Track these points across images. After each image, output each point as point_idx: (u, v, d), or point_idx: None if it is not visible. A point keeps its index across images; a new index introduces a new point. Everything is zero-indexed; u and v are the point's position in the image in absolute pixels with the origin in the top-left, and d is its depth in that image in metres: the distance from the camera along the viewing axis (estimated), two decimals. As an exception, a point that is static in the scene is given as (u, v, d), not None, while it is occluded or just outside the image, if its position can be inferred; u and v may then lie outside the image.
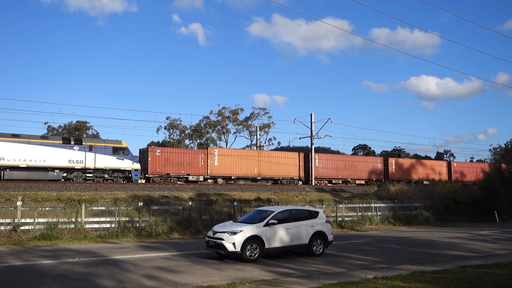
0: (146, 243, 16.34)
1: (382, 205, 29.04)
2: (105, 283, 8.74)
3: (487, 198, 32.04)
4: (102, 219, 19.49)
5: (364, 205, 27.74)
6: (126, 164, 30.44)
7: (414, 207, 30.03)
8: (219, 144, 68.44)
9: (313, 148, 41.60)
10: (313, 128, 42.23)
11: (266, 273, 9.95)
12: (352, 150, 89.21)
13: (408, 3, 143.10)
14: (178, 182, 33.57)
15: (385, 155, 50.48)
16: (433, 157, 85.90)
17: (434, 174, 47.35)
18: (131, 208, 20.62)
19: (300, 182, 39.57)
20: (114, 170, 30.13)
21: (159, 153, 33.66)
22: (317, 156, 41.15)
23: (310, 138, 42.33)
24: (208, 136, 68.53)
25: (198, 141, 67.89)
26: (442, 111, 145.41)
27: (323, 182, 40.29)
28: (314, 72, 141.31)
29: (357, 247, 15.79)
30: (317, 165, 40.47)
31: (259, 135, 60.93)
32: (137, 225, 19.34)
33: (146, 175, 33.18)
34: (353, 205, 27.81)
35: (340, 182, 41.49)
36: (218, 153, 36.47)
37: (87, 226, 18.52)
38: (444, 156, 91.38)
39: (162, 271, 10.13)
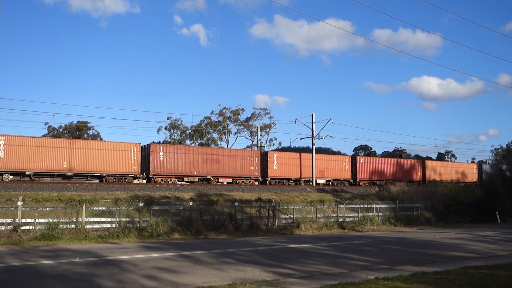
0: (146, 244, 16.32)
1: (383, 205, 29.02)
2: (106, 283, 8.72)
3: (489, 199, 32.01)
4: (103, 219, 19.51)
5: (365, 206, 27.74)
6: None
7: (415, 207, 30.01)
8: (220, 144, 68.42)
9: (314, 148, 41.58)
10: (314, 129, 42.23)
11: (267, 274, 9.92)
12: (353, 151, 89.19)
13: (410, 4, 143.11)
14: None
15: (265, 151, 43.91)
16: (435, 158, 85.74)
17: (328, 170, 42.70)
18: (132, 208, 20.63)
19: (137, 180, 35.03)
20: None
21: None
22: (161, 147, 35.56)
23: (311, 138, 42.33)
24: (209, 136, 68.58)
25: (199, 141, 67.94)
26: (444, 112, 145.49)
27: (170, 180, 34.69)
28: (315, 73, 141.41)
29: (358, 247, 15.75)
30: (161, 158, 34.61)
31: (260, 135, 60.93)
32: (138, 225, 19.33)
33: None
34: (354, 206, 27.82)
35: (197, 179, 36.20)
36: (4, 142, 29.72)
37: (88, 226, 18.53)
38: (446, 156, 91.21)
39: (163, 271, 10.11)
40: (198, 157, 36.42)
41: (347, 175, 43.47)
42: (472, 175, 53.14)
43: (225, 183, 36.72)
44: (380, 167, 45.59)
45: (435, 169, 50.02)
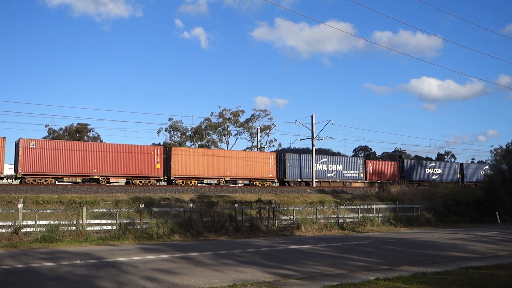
0: (147, 245, 16.33)
1: (383, 206, 29.02)
2: (106, 285, 8.74)
3: (488, 199, 31.99)
4: (103, 221, 19.52)
5: (365, 207, 27.73)
6: None
7: (415, 208, 30.01)
8: (220, 146, 68.43)
9: (313, 149, 41.59)
10: (313, 130, 42.24)
11: (267, 275, 9.94)
12: (353, 152, 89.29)
13: (410, 6, 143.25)
14: None
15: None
16: (434, 158, 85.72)
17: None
18: (132, 210, 20.64)
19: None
20: None
21: None
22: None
23: (311, 139, 42.34)
24: (209, 138, 68.58)
25: (199, 142, 67.94)
26: (444, 113, 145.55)
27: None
28: (316, 75, 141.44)
29: (358, 248, 15.77)
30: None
31: (260, 136, 60.93)
32: (138, 227, 19.33)
33: None
34: (354, 207, 27.81)
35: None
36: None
37: (88, 228, 18.54)
38: (445, 157, 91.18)
39: (163, 273, 10.12)
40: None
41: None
42: (265, 171, 39.58)
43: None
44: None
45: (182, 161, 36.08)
